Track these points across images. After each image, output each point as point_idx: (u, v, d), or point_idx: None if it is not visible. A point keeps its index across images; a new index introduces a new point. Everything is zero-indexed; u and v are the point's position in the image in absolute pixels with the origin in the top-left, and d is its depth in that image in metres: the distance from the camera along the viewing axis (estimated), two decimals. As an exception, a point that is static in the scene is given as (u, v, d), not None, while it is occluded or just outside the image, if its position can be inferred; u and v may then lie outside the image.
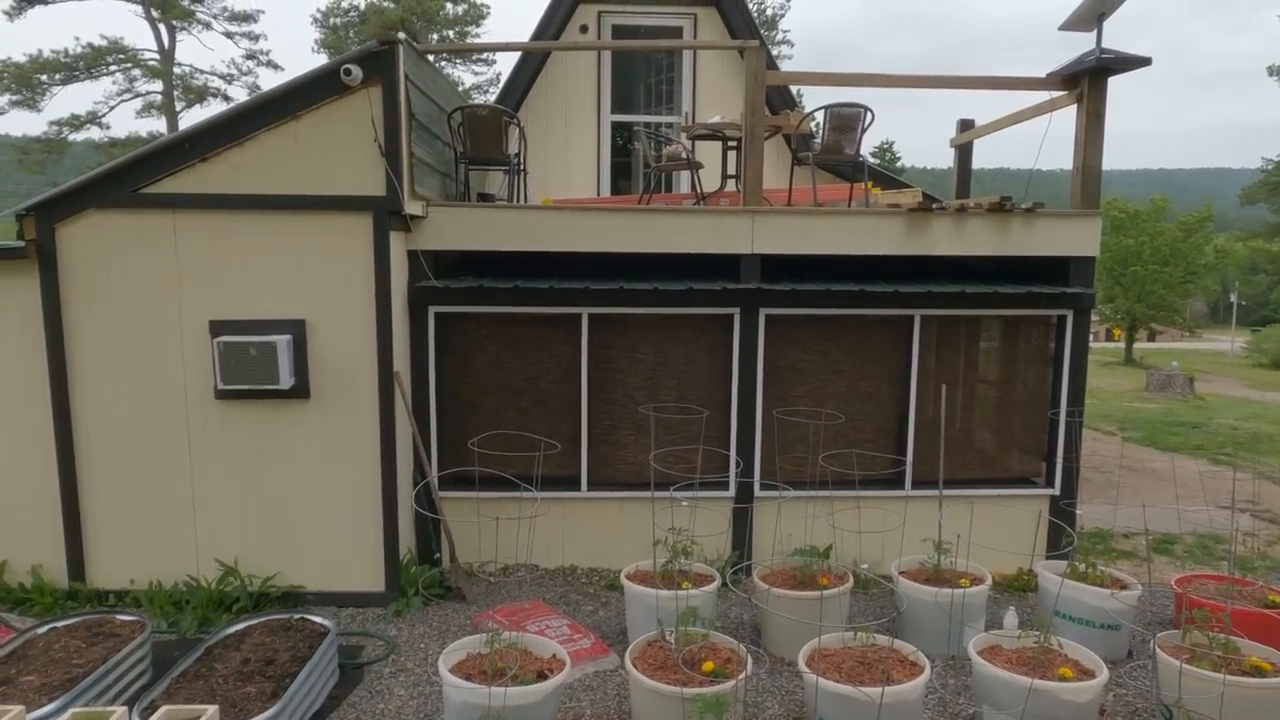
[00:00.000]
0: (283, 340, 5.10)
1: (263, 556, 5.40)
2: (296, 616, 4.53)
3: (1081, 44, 5.97)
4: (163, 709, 3.18)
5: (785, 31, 38.72)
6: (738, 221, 5.86)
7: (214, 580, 5.31)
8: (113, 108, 31.04)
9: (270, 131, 5.11)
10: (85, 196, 5.13)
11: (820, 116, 6.64)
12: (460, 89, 23.74)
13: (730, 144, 7.24)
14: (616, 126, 9.47)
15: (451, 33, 32.43)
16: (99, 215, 5.14)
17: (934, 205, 6.08)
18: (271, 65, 33.83)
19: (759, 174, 5.97)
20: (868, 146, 7.34)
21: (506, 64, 34.54)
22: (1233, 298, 55.09)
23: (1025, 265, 6.22)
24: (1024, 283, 6.10)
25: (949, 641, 4.69)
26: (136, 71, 31.20)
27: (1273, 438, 12.93)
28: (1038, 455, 6.36)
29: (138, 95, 31.65)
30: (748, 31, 8.86)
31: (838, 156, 6.82)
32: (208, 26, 32.32)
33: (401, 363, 5.58)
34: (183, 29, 31.97)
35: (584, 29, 9.04)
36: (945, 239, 5.96)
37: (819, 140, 6.77)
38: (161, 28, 31.56)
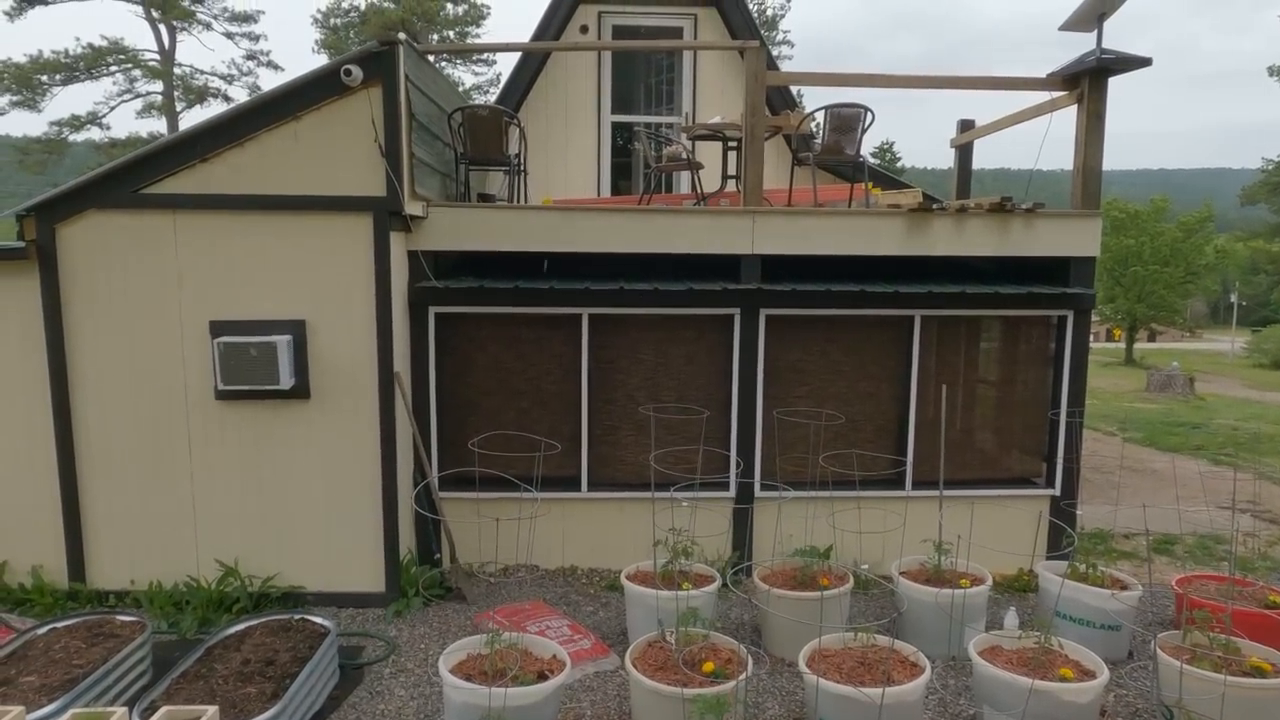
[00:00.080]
0: (283, 340, 5.10)
1: (263, 557, 5.40)
2: (297, 617, 4.53)
3: (1082, 44, 5.98)
4: (163, 709, 3.18)
5: (785, 32, 38.77)
6: (738, 222, 5.86)
7: (214, 581, 5.31)
8: (113, 108, 31.06)
9: (271, 132, 5.11)
10: (85, 197, 5.13)
11: (820, 117, 6.64)
12: (460, 89, 23.74)
13: (730, 144, 7.24)
14: (617, 127, 9.47)
15: (452, 33, 32.45)
16: (99, 216, 5.14)
17: (934, 206, 6.08)
18: (272, 66, 33.85)
19: (759, 174, 5.97)
20: (868, 147, 7.34)
21: (507, 64, 34.55)
22: (1233, 298, 55.08)
23: (1026, 265, 6.22)
24: (1024, 283, 6.10)
25: (949, 642, 4.69)
26: (137, 72, 31.20)
27: (1273, 438, 12.92)
28: (1038, 456, 6.36)
29: (138, 96, 31.67)
30: (748, 32, 8.87)
31: (838, 157, 6.83)
32: (208, 27, 32.33)
33: (402, 363, 5.58)
34: (183, 29, 31.97)
35: (584, 29, 9.04)
36: (945, 239, 5.95)
37: (819, 140, 6.77)
38: (162, 28, 31.56)
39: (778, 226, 5.87)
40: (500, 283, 5.79)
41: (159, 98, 31.67)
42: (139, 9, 30.91)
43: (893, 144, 46.24)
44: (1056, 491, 6.22)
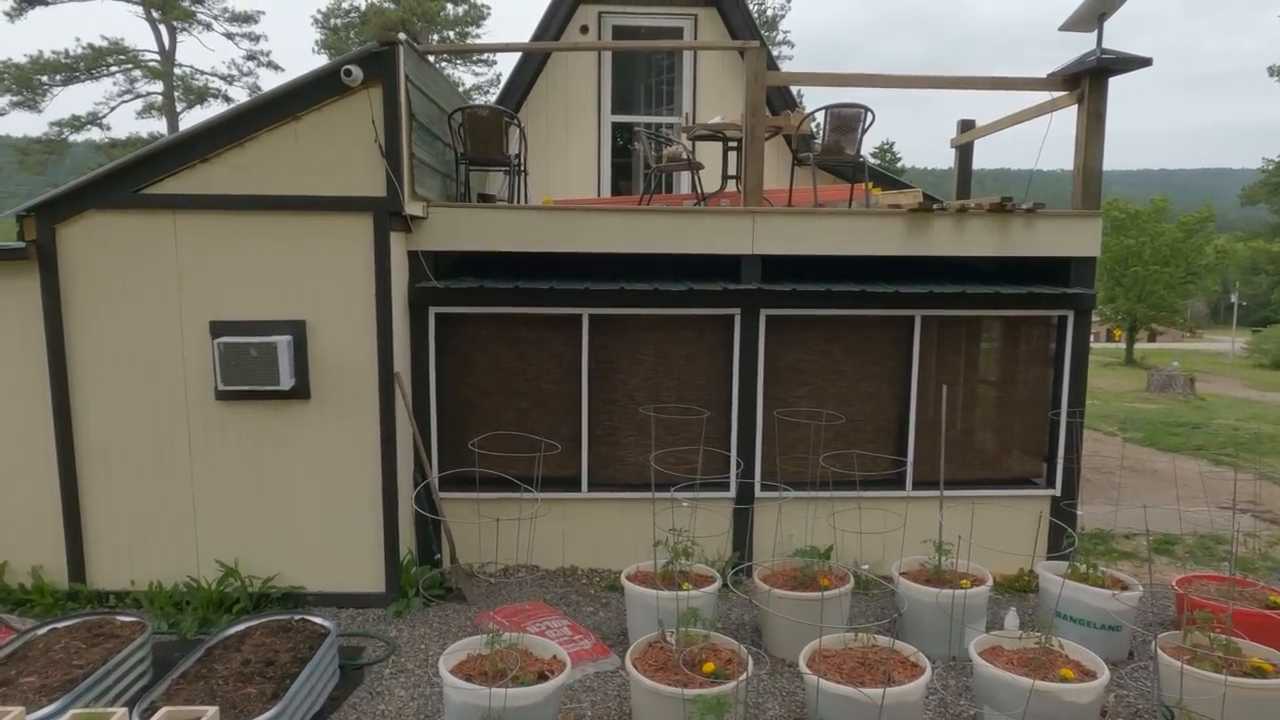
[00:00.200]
0: (283, 341, 5.10)
1: (263, 557, 5.40)
2: (297, 617, 4.53)
3: (1082, 44, 5.97)
4: (163, 710, 3.17)
5: (785, 32, 38.75)
6: (738, 222, 5.86)
7: (214, 581, 5.31)
8: (113, 108, 31.05)
9: (271, 132, 5.11)
10: (86, 197, 5.12)
11: (820, 117, 6.64)
12: (461, 89, 23.75)
13: (731, 144, 7.24)
14: (617, 127, 9.46)
15: (452, 33, 32.45)
16: (99, 216, 5.14)
17: (935, 206, 6.08)
18: (272, 66, 33.83)
19: (759, 174, 5.97)
20: (868, 147, 7.33)
21: (507, 65, 34.53)
22: (1233, 298, 55.05)
23: (1026, 266, 6.22)
24: (1025, 283, 6.10)
25: (950, 642, 4.69)
26: (137, 72, 31.20)
27: (1273, 438, 12.92)
28: (1038, 456, 6.36)
29: (138, 96, 31.66)
30: (748, 32, 8.87)
31: (838, 157, 6.82)
32: (208, 27, 32.32)
33: (402, 363, 5.58)
34: (183, 30, 31.96)
35: (584, 29, 9.04)
36: (946, 239, 5.95)
37: (819, 141, 6.77)
38: (162, 28, 31.55)
39: (778, 227, 5.87)
40: (500, 283, 5.79)
41: (159, 98, 31.67)
42: (139, 9, 30.91)
43: (893, 144, 46.19)
44: (1057, 492, 6.22)
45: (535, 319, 6.00)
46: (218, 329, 5.17)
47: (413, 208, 5.37)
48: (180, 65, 32.05)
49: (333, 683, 4.31)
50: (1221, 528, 7.35)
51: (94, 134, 30.89)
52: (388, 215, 5.21)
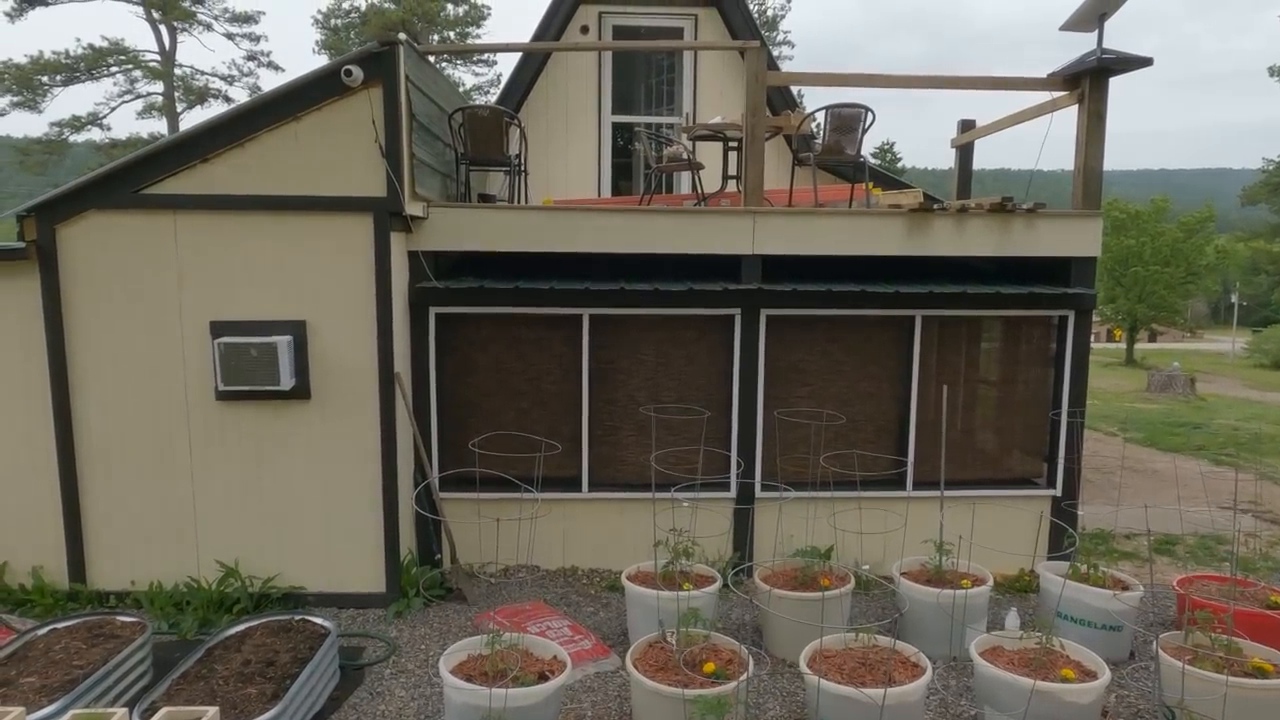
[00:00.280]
0: (283, 341, 5.10)
1: (263, 557, 5.40)
2: (297, 618, 4.53)
3: (1082, 44, 5.97)
4: (163, 710, 3.17)
5: (786, 32, 38.74)
6: (739, 222, 5.86)
7: (214, 581, 5.31)
8: (114, 109, 31.07)
9: (271, 132, 5.11)
10: (86, 197, 5.12)
11: (821, 117, 6.64)
12: (461, 90, 23.75)
13: (731, 145, 7.24)
14: (617, 127, 9.47)
15: (452, 33, 32.46)
16: (100, 216, 5.14)
17: (935, 206, 6.08)
18: (272, 66, 33.85)
19: (760, 174, 5.97)
20: (868, 147, 7.33)
21: (507, 65, 34.56)
22: (1234, 298, 55.03)
23: (1026, 266, 6.22)
24: (1025, 283, 6.10)
25: (951, 643, 4.68)
26: (137, 73, 31.22)
27: (1274, 438, 12.91)
28: (1039, 456, 6.36)
29: (138, 96, 31.69)
30: (748, 32, 8.86)
31: (838, 157, 6.82)
32: (208, 28, 32.34)
33: (402, 363, 5.58)
34: (183, 30, 31.98)
35: (585, 30, 9.04)
36: (946, 239, 5.95)
37: (820, 141, 6.77)
38: (162, 29, 31.57)
39: (778, 227, 5.87)
40: (501, 283, 5.79)
41: (159, 98, 31.69)
42: (139, 9, 30.93)
43: (893, 144, 46.17)
44: (1058, 492, 6.22)
45: (535, 319, 6.00)
46: (218, 329, 5.17)
47: (413, 208, 5.37)
48: (180, 65, 32.10)
49: (333, 683, 4.31)
50: (1222, 528, 7.35)
51: (94, 134, 30.96)
52: (388, 215, 5.21)
